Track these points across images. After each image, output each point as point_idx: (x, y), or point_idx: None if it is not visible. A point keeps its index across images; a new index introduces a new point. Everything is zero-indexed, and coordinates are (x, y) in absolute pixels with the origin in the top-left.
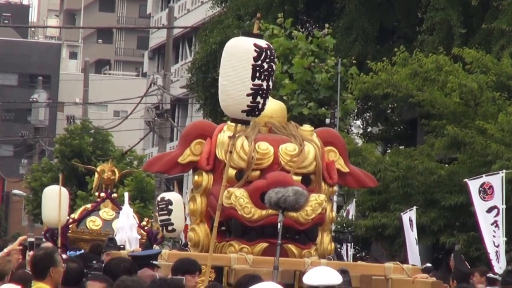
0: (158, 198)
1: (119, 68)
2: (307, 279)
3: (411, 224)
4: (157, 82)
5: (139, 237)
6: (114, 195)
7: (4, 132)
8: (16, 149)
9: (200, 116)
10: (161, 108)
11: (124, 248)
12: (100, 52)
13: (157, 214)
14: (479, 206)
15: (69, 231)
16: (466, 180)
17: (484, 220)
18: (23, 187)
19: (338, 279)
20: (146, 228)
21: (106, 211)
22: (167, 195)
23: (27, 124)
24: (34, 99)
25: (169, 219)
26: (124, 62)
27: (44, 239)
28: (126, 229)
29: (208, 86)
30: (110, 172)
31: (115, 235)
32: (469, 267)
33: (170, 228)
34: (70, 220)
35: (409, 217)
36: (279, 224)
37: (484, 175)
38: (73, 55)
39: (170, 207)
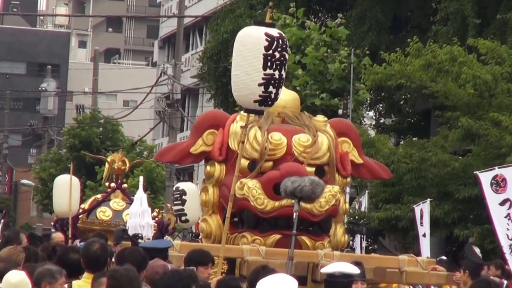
0: (174, 188)
1: (129, 57)
2: (324, 269)
3: (421, 217)
4: (167, 71)
5: (152, 222)
6: (125, 185)
7: (13, 121)
8: (25, 139)
9: (211, 106)
10: (171, 98)
11: (142, 237)
12: (110, 41)
13: (169, 205)
14: (491, 198)
15: (79, 222)
16: (476, 172)
17: (497, 213)
18: (32, 177)
19: (355, 269)
20: (156, 219)
21: (117, 202)
22: (181, 185)
23: (36, 114)
24: (43, 88)
25: (183, 209)
26: (134, 51)
27: (53, 230)
28: (139, 214)
29: (219, 75)
30: (120, 162)
31: (127, 222)
32: (481, 258)
33: (183, 218)
34: (80, 211)
35: (420, 209)
36: (294, 214)
37: (496, 167)
38: (82, 44)
39: (184, 197)
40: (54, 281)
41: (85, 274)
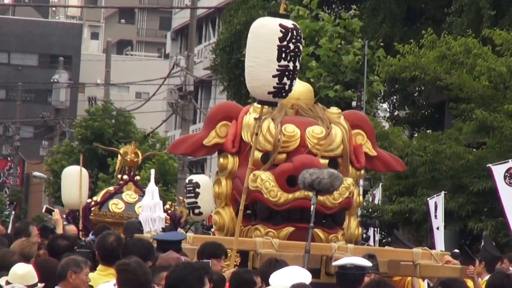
0: (186, 180)
1: (141, 49)
2: (337, 262)
3: (435, 210)
4: (180, 63)
5: (163, 216)
6: (137, 177)
7: (24, 113)
8: (37, 131)
9: (224, 98)
10: (184, 89)
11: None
12: (122, 32)
13: (181, 197)
14: (505, 192)
15: (91, 214)
16: (489, 165)
17: (510, 206)
18: (44, 169)
19: (367, 262)
20: (169, 211)
21: (129, 194)
22: (195, 178)
23: (48, 105)
24: (55, 80)
25: (196, 202)
26: (147, 43)
27: (65, 222)
28: (151, 207)
29: (232, 67)
30: (133, 155)
31: (139, 215)
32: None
33: (196, 211)
34: (93, 203)
35: (434, 202)
36: (312, 207)
37: (510, 160)
38: (94, 36)
39: (197, 190)
40: (79, 270)
41: (100, 267)
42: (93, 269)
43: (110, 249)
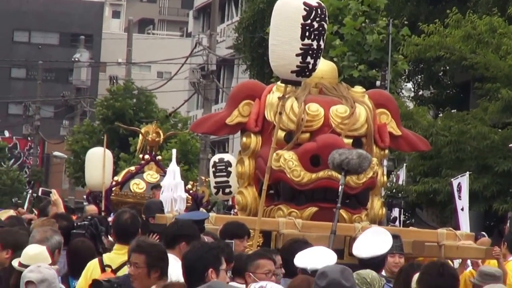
0: (216, 159)
1: (163, 27)
2: (355, 250)
3: (459, 191)
4: (202, 42)
5: (184, 196)
6: (159, 157)
7: (45, 92)
8: (57, 110)
9: (247, 77)
10: (206, 69)
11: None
12: (144, 11)
13: (203, 177)
14: None
15: (112, 194)
16: (511, 145)
17: None
18: (64, 149)
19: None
20: (191, 191)
21: (151, 174)
22: (226, 156)
23: (69, 85)
24: (76, 59)
25: (228, 181)
26: (169, 22)
27: (86, 203)
28: (172, 187)
29: (255, 46)
30: (154, 134)
31: (161, 195)
32: None
33: (227, 190)
34: (114, 183)
35: (458, 182)
36: (340, 187)
37: None
38: (116, 14)
39: (229, 169)
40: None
41: (116, 246)
42: (96, 251)
43: (125, 227)
